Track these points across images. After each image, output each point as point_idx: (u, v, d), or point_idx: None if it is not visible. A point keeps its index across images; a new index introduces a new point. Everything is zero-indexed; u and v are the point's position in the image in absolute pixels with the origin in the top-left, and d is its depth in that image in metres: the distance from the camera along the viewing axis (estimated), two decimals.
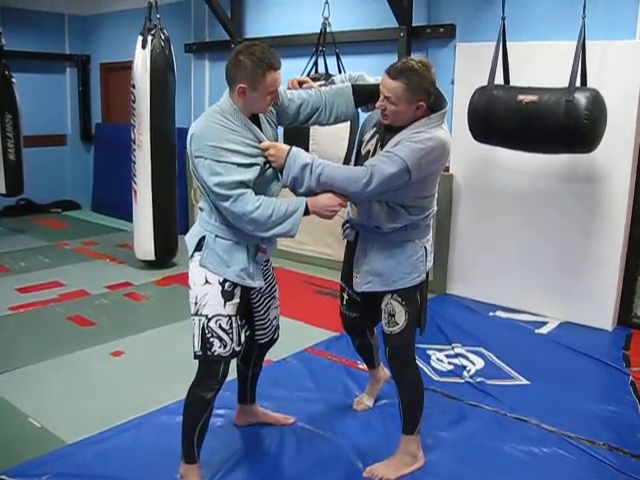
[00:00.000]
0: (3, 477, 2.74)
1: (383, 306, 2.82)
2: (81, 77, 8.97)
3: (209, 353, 2.57)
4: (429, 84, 2.56)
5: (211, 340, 2.56)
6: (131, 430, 3.19)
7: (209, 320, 2.55)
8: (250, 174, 2.43)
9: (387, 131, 2.67)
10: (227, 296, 2.55)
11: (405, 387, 2.88)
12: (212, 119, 2.46)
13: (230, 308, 2.57)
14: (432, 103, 2.61)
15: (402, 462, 2.90)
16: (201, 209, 2.59)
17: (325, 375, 3.85)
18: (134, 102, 5.71)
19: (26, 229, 7.73)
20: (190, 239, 2.61)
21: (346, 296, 3.08)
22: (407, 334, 2.81)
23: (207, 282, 2.54)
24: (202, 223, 2.57)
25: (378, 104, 2.62)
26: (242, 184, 2.40)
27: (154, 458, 2.95)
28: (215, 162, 2.38)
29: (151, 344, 4.33)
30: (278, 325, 3.00)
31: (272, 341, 3.01)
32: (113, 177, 8.29)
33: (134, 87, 5.70)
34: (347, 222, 2.92)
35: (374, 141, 2.73)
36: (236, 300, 2.59)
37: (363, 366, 3.65)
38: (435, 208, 2.85)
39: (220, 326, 2.56)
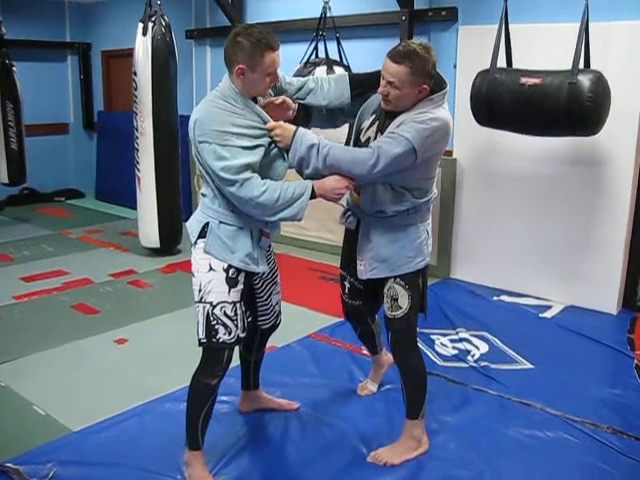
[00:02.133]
0: (8, 465, 2.75)
1: (385, 290, 2.81)
2: (82, 65, 8.94)
3: (214, 340, 2.57)
4: (431, 67, 2.55)
5: (216, 327, 2.55)
6: (135, 417, 3.20)
7: (214, 307, 2.54)
8: (256, 156, 2.42)
9: (388, 117, 2.65)
10: (231, 283, 2.55)
11: (408, 372, 2.88)
12: (214, 104, 2.44)
13: (234, 295, 2.57)
14: (433, 85, 2.59)
15: (406, 447, 2.90)
16: (204, 195, 2.57)
17: (329, 361, 3.85)
18: (136, 89, 5.69)
19: (30, 218, 7.73)
20: (193, 225, 2.59)
21: (348, 284, 3.06)
22: (410, 318, 2.80)
23: (211, 269, 2.52)
24: (205, 209, 2.55)
25: (380, 89, 2.59)
26: (248, 167, 2.39)
27: (158, 445, 2.95)
28: (220, 146, 2.36)
29: (155, 332, 4.33)
30: (280, 310, 3.00)
31: (274, 326, 3.01)
32: (116, 165, 8.27)
33: (136, 74, 5.68)
34: (348, 210, 2.90)
35: (374, 128, 2.70)
36: (240, 286, 2.58)
37: (367, 352, 3.65)
38: (435, 192, 2.82)
39: (225, 313, 2.56)
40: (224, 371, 2.65)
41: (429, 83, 2.56)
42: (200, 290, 2.56)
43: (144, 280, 5.40)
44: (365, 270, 2.81)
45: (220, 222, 2.51)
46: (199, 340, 2.60)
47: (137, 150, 5.83)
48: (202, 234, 2.54)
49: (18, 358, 3.88)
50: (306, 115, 2.80)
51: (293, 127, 2.52)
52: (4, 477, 2.71)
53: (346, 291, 3.09)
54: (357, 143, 2.78)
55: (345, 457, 2.91)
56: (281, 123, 2.53)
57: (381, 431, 3.09)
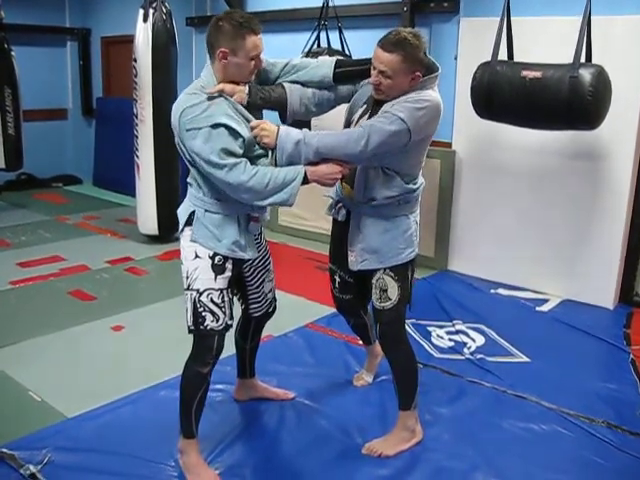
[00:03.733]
0: (3, 450, 2.75)
1: (374, 281, 2.79)
2: (82, 51, 8.88)
3: (202, 327, 2.57)
4: (423, 54, 2.54)
5: (203, 314, 2.56)
6: (131, 405, 3.20)
7: (200, 294, 2.54)
8: (242, 141, 2.42)
9: (379, 106, 2.62)
10: (218, 270, 2.54)
11: (398, 363, 2.88)
12: (196, 97, 2.43)
13: (221, 282, 2.56)
14: (424, 72, 2.59)
15: (400, 438, 2.90)
16: (190, 184, 2.57)
17: (325, 351, 3.86)
18: (136, 76, 5.67)
19: (27, 204, 7.71)
20: (181, 214, 2.60)
21: (338, 278, 3.05)
22: (399, 309, 2.80)
23: (197, 256, 2.53)
24: (191, 198, 2.56)
25: (372, 79, 2.56)
26: (235, 153, 2.38)
27: (153, 432, 2.96)
28: (210, 129, 2.35)
29: (152, 319, 4.33)
30: (274, 298, 3.00)
31: (268, 314, 3.00)
32: (114, 151, 8.24)
33: (136, 61, 5.66)
34: (338, 202, 2.88)
35: (365, 118, 2.68)
36: (228, 274, 2.58)
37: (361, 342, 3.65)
38: (423, 181, 2.80)
39: (212, 300, 2.56)
40: (215, 359, 2.64)
41: (421, 70, 2.55)
42: (187, 277, 2.57)
43: (141, 267, 5.39)
44: (356, 261, 2.80)
45: (205, 211, 2.51)
46: (188, 327, 2.61)
47: (136, 137, 5.81)
48: (189, 222, 2.55)
49: (14, 344, 3.88)
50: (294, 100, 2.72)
51: (274, 127, 2.49)
52: None
53: (336, 285, 3.08)
54: None
55: (340, 447, 2.91)
56: (265, 121, 2.50)
57: (376, 421, 3.10)
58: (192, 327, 2.59)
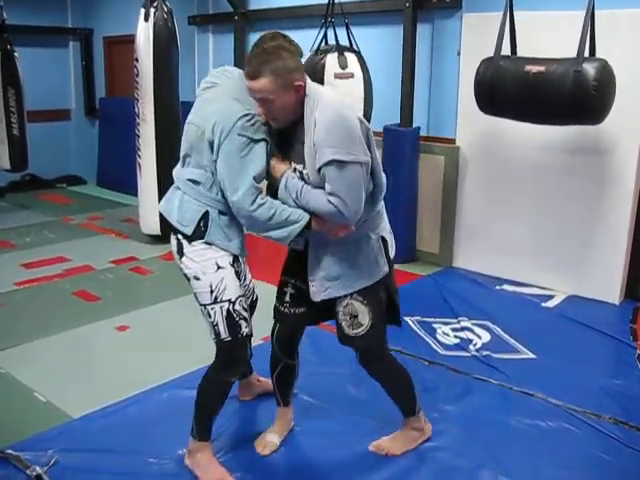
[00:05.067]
0: (9, 451, 2.75)
1: (341, 309, 2.58)
2: (84, 51, 8.89)
3: (239, 336, 2.53)
4: (292, 59, 2.27)
5: (240, 322, 2.52)
6: (136, 405, 3.20)
7: (233, 304, 2.50)
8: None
9: (284, 134, 2.44)
10: (238, 276, 2.54)
11: (387, 381, 2.80)
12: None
13: (242, 287, 2.58)
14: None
15: (408, 437, 2.89)
16: (195, 182, 2.46)
17: (329, 349, 3.84)
18: (138, 76, 5.67)
19: (31, 204, 7.72)
20: (186, 216, 2.47)
21: (291, 290, 2.70)
22: (375, 333, 2.61)
23: (220, 267, 2.47)
24: (201, 197, 2.45)
25: (261, 112, 2.33)
26: (260, 176, 2.37)
27: (159, 433, 2.96)
28: (255, 143, 2.33)
29: (156, 319, 4.33)
30: (254, 285, 3.00)
31: (254, 303, 2.99)
32: (118, 151, 8.24)
33: (137, 61, 5.65)
34: None
35: (278, 154, 2.46)
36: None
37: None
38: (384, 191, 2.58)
39: (243, 307, 2.54)
40: (247, 365, 2.61)
41: (301, 76, 2.31)
42: (212, 291, 2.48)
43: (145, 267, 5.39)
44: (318, 292, 2.56)
45: (219, 211, 2.45)
46: (222, 340, 2.52)
47: (138, 137, 5.81)
48: (197, 233, 2.45)
49: (19, 345, 3.88)
50: None
51: (283, 168, 2.40)
52: (5, 463, 2.71)
53: (287, 299, 2.71)
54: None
55: (345, 445, 2.90)
56: (280, 161, 2.43)
57: (383, 420, 3.08)
58: (229, 338, 2.52)
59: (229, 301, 2.50)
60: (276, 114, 2.33)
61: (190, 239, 2.47)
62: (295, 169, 2.40)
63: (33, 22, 8.20)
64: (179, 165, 2.57)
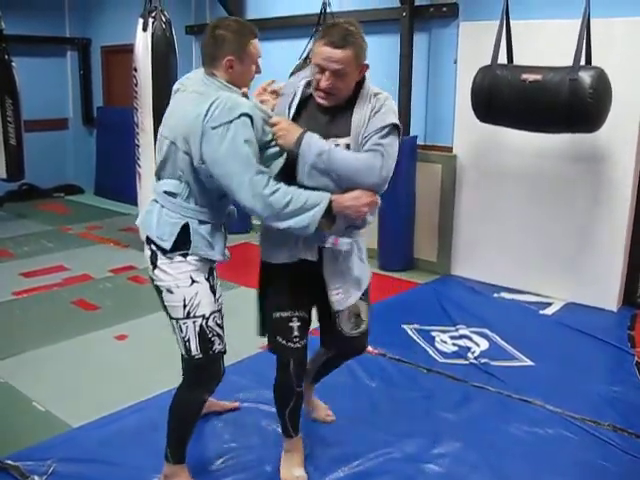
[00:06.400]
0: (8, 461, 2.75)
1: (347, 311, 2.58)
2: (82, 61, 8.92)
3: (211, 353, 2.45)
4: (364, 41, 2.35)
5: (212, 339, 2.44)
6: (135, 414, 3.19)
7: (207, 319, 2.41)
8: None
9: (323, 113, 2.41)
10: (213, 290, 2.45)
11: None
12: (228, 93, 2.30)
13: (216, 302, 2.47)
14: None
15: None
16: (172, 194, 2.36)
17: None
18: (136, 85, 5.67)
19: (29, 214, 7.72)
20: (164, 229, 2.36)
21: (298, 323, 2.55)
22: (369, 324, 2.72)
23: (194, 281, 2.38)
24: (178, 209, 2.35)
25: (325, 85, 2.30)
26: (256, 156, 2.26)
27: (158, 442, 2.93)
28: (236, 120, 2.21)
29: (155, 328, 4.28)
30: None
31: None
32: (116, 161, 8.25)
33: (136, 70, 5.66)
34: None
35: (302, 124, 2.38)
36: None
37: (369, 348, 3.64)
38: None
39: (216, 323, 2.45)
40: (219, 382, 2.56)
41: (365, 59, 2.38)
42: (185, 306, 2.39)
43: (144, 276, 5.35)
44: (344, 299, 2.52)
45: (199, 221, 2.37)
46: (193, 357, 2.44)
47: (138, 146, 5.81)
48: (177, 246, 2.35)
49: (18, 354, 3.88)
50: None
51: (297, 128, 2.30)
52: (3, 473, 2.70)
53: (295, 334, 2.55)
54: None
55: (345, 447, 2.90)
56: (286, 119, 2.37)
57: (385, 424, 3.09)
58: (199, 355, 2.43)
59: (203, 317, 2.41)
60: (342, 89, 2.33)
61: (165, 251, 2.37)
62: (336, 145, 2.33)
63: (31, 32, 8.23)
64: (155, 178, 2.48)
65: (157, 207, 2.41)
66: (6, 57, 6.94)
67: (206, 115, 2.21)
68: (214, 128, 2.20)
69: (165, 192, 2.38)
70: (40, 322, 4.40)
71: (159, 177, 2.45)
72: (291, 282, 2.53)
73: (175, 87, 2.51)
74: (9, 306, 4.68)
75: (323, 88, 2.31)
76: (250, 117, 2.24)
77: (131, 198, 6.44)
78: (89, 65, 8.98)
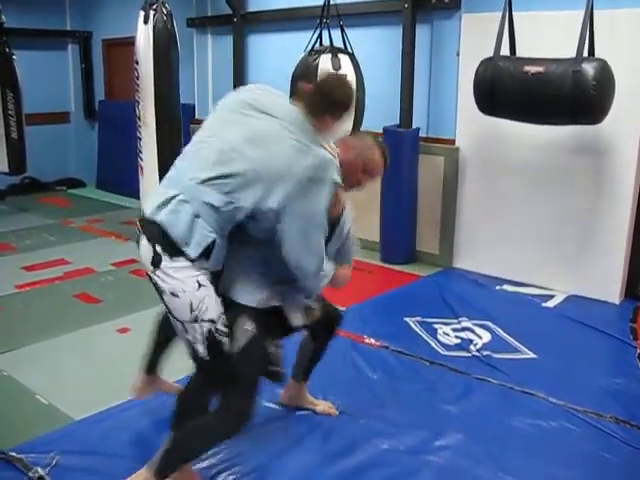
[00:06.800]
0: (11, 454, 2.75)
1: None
2: (83, 54, 8.91)
3: (221, 353, 2.41)
4: None
5: (222, 340, 2.40)
6: (138, 407, 3.19)
7: (216, 323, 2.36)
8: None
9: None
10: (216, 294, 2.42)
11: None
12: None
13: (221, 303, 2.44)
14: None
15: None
16: (215, 207, 2.27)
17: (331, 349, 3.84)
18: (138, 78, 5.66)
19: (31, 207, 7.72)
20: (195, 236, 2.28)
21: (279, 350, 2.70)
22: None
23: (201, 285, 2.32)
24: (213, 224, 2.29)
25: (364, 185, 2.63)
26: None
27: (160, 435, 2.94)
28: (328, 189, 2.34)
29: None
30: None
31: None
32: (117, 154, 8.25)
33: (137, 63, 5.64)
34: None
35: None
36: None
37: (369, 340, 3.65)
38: None
39: (224, 324, 2.41)
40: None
41: None
42: (193, 310, 2.31)
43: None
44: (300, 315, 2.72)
45: (220, 237, 2.34)
46: (201, 359, 2.41)
47: (139, 139, 5.80)
48: (198, 256, 2.31)
49: (20, 347, 3.88)
50: None
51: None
52: (7, 465, 2.71)
53: (280, 359, 2.70)
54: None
55: (347, 444, 2.90)
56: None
57: (387, 417, 3.09)
58: (208, 357, 2.40)
59: (211, 321, 2.35)
60: None
61: (174, 254, 2.30)
62: None
63: (32, 25, 8.21)
64: (198, 179, 2.29)
65: (189, 212, 2.28)
66: (7, 50, 6.93)
67: (309, 169, 2.28)
68: (314, 183, 2.29)
69: (206, 203, 2.27)
70: (42, 315, 4.40)
71: (202, 180, 2.28)
72: (263, 321, 2.57)
73: (242, 96, 2.47)
74: (11, 299, 4.68)
75: (363, 185, 2.62)
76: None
77: (133, 191, 6.43)
78: (90, 58, 8.97)
